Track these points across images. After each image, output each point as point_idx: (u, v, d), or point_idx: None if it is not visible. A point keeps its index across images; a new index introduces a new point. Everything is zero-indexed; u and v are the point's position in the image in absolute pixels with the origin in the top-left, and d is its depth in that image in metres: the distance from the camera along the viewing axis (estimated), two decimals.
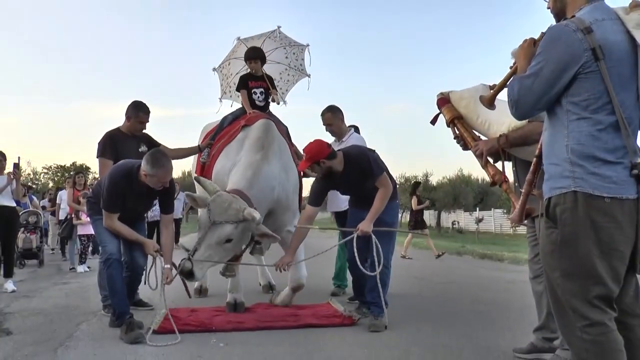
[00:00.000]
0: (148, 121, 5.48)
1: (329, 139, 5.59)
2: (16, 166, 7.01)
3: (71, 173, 19.79)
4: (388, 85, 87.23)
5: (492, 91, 3.00)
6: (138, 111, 5.39)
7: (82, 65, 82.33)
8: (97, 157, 5.29)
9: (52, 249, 13.94)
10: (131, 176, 4.42)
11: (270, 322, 4.71)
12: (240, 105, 6.02)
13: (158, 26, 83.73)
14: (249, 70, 5.92)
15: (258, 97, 5.73)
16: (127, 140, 5.36)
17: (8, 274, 6.97)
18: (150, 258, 4.64)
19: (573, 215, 2.21)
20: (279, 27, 6.00)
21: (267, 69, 6.03)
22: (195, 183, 5.03)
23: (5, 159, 7.21)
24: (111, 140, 5.29)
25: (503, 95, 2.61)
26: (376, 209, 4.58)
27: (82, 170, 31.55)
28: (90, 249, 10.36)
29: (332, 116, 5.76)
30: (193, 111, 79.24)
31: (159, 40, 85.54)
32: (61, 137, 79.99)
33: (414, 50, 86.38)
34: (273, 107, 5.99)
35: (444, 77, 79.27)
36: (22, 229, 9.95)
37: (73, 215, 9.89)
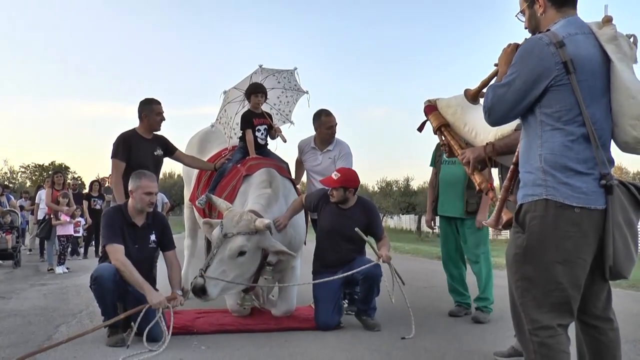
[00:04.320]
0: (163, 112, 5.31)
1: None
2: None
3: (50, 172, 19.59)
4: (370, 89, 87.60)
5: (476, 87, 3.06)
6: (150, 104, 5.25)
7: (62, 62, 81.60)
8: (111, 158, 5.16)
9: (30, 250, 13.76)
10: (121, 210, 4.41)
11: (251, 325, 4.71)
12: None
13: (144, 23, 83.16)
14: (246, 108, 5.81)
15: (262, 133, 5.61)
16: (143, 143, 5.22)
17: None
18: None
19: (542, 223, 2.28)
20: (260, 65, 6.01)
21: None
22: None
23: None
24: (125, 142, 5.15)
25: None
26: (388, 247, 4.86)
27: (61, 169, 31.19)
28: (69, 249, 10.24)
29: (335, 119, 5.66)
30: (184, 111, 78.77)
31: (146, 37, 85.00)
32: (39, 136, 79.17)
33: (397, 52, 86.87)
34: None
35: (428, 81, 79.94)
36: None
37: (52, 216, 9.76)
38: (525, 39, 2.46)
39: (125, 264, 4.15)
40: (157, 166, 5.31)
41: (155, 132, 5.35)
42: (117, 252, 4.18)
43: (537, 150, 2.32)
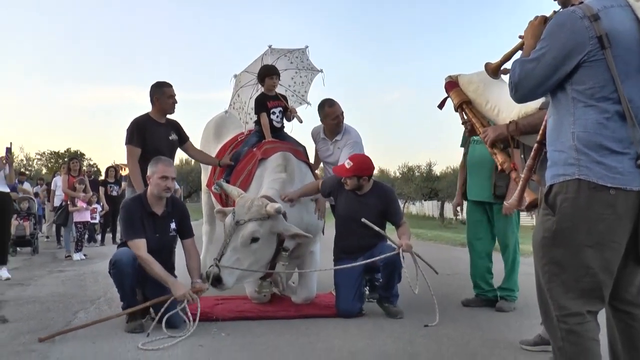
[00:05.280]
0: (175, 94, 5.30)
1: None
2: (8, 150, 7.00)
3: (65, 159, 19.81)
4: (390, 68, 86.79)
5: (498, 60, 3.02)
6: (162, 87, 5.24)
7: (75, 47, 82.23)
8: (125, 145, 5.17)
9: (47, 237, 13.98)
10: (140, 200, 4.43)
11: (271, 312, 4.75)
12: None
13: (159, 9, 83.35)
14: (260, 91, 5.81)
15: (277, 116, 5.60)
16: (157, 127, 5.22)
17: (2, 262, 6.96)
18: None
19: (574, 205, 2.22)
20: (269, 46, 5.97)
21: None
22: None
23: None
24: (138, 127, 5.15)
25: None
26: (409, 235, 4.78)
27: (77, 156, 31.57)
28: (86, 236, 10.38)
29: (340, 108, 5.56)
30: (197, 96, 79.00)
31: (162, 22, 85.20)
32: (55, 122, 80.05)
33: (417, 30, 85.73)
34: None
35: (452, 59, 78.90)
36: (15, 216, 9.93)
37: (69, 202, 9.89)
38: (555, 11, 2.41)
39: (148, 260, 4.19)
40: (172, 151, 5.32)
41: (168, 117, 5.36)
42: (138, 248, 4.22)
43: (569, 127, 2.26)
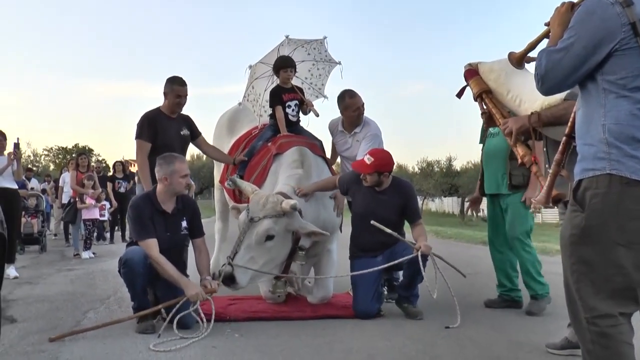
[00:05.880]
0: (186, 94, 5.29)
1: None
2: (16, 146, 7.09)
3: (73, 155, 19.96)
4: (410, 60, 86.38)
5: (522, 50, 2.98)
6: (172, 84, 5.24)
7: (82, 41, 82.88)
8: (135, 139, 5.21)
9: (55, 234, 14.11)
10: (150, 198, 4.45)
11: (286, 312, 4.77)
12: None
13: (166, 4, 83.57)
14: (276, 83, 5.81)
15: (292, 110, 5.61)
16: (168, 122, 5.25)
17: (10, 260, 7.00)
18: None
19: (604, 201, 2.19)
20: (286, 36, 5.97)
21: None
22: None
23: (5, 139, 7.28)
24: (149, 121, 5.19)
25: None
26: (425, 237, 4.76)
27: (85, 151, 31.81)
28: (95, 234, 10.47)
29: (360, 99, 5.54)
30: (210, 90, 79.14)
31: (171, 14, 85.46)
32: (62, 118, 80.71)
33: (439, 20, 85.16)
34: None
35: (472, 50, 78.30)
36: (23, 213, 10.05)
37: (77, 199, 9.98)
38: None
39: (159, 260, 4.22)
40: (183, 147, 5.35)
41: (180, 112, 5.38)
42: (150, 248, 4.25)
43: (599, 120, 2.22)
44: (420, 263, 4.43)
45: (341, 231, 5.39)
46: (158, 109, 5.31)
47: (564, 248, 2.38)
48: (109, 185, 12.05)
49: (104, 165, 28.60)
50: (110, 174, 13.53)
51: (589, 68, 2.25)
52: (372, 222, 4.59)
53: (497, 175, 5.04)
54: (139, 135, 5.18)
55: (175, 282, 4.22)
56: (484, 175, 5.24)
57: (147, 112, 5.28)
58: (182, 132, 5.31)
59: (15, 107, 75.33)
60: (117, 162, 13.25)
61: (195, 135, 5.51)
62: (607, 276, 2.21)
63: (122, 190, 12.48)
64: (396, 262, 4.55)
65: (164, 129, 5.19)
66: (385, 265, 4.61)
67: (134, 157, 5.59)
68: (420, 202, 13.62)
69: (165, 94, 5.27)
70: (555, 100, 3.25)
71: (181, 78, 5.30)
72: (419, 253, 4.46)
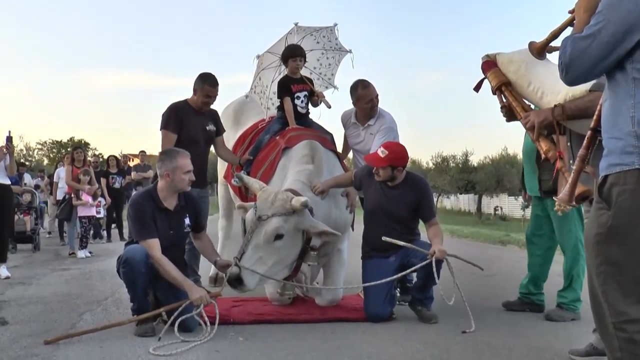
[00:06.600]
0: (216, 95, 5.45)
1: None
2: (9, 140, 7.10)
3: (69, 149, 19.99)
4: (425, 49, 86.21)
5: (543, 39, 2.95)
6: (203, 83, 5.36)
7: (79, 28, 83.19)
8: (160, 130, 5.33)
9: (49, 232, 14.16)
10: (151, 195, 4.45)
11: (293, 314, 4.76)
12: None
13: None
14: (283, 73, 5.81)
15: (302, 101, 5.60)
16: (194, 115, 5.39)
17: (1, 259, 7.05)
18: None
19: (633, 197, 2.16)
20: (295, 24, 5.96)
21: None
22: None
23: None
24: (176, 113, 5.32)
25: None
26: (441, 238, 4.73)
27: (81, 145, 31.90)
28: (91, 232, 10.48)
29: (375, 90, 5.50)
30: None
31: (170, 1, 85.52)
32: (57, 110, 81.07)
33: (455, 5, 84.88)
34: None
35: (494, 40, 77.92)
36: (15, 210, 10.07)
37: (73, 195, 9.99)
38: None
39: (162, 262, 4.21)
40: (207, 142, 5.51)
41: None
42: (152, 249, 4.24)
43: (628, 111, 2.20)
44: (434, 269, 4.41)
45: (353, 229, 5.37)
46: (185, 101, 5.45)
47: (589, 248, 2.35)
48: (103, 180, 12.00)
49: (101, 159, 28.69)
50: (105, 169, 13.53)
51: (618, 56, 2.21)
52: (384, 237, 4.55)
53: (531, 176, 4.97)
54: (165, 126, 5.30)
55: (179, 285, 4.21)
56: (524, 175, 5.21)
57: (174, 103, 5.43)
58: (207, 127, 5.44)
59: (7, 99, 75.60)
60: (110, 156, 13.22)
61: (218, 133, 5.64)
62: (636, 278, 2.19)
63: (116, 185, 12.42)
64: (408, 271, 4.57)
65: (190, 122, 5.33)
66: (397, 276, 4.61)
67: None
68: (435, 199, 13.64)
69: (194, 90, 5.40)
70: (580, 91, 3.23)
71: (214, 78, 5.42)
72: (434, 259, 4.42)
